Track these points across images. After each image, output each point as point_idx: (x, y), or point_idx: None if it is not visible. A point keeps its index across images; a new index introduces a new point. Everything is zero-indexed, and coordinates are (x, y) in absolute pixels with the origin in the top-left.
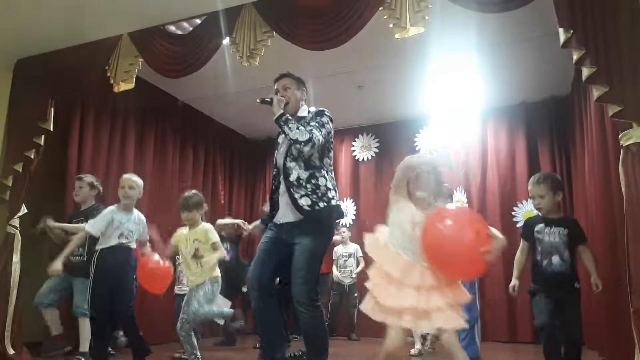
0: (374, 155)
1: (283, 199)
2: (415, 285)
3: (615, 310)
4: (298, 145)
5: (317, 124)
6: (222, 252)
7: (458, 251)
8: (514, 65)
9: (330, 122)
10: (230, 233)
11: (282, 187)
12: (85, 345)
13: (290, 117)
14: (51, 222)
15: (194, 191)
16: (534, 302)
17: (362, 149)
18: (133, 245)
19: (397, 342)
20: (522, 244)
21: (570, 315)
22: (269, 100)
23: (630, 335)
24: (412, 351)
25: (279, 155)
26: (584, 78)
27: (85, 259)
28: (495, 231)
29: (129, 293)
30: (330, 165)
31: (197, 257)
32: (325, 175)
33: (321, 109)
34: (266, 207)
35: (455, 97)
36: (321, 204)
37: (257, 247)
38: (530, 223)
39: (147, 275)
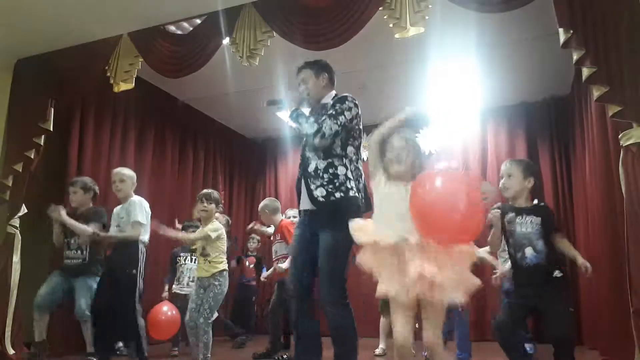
0: None
1: (303, 189)
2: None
3: (615, 310)
4: (310, 139)
5: (333, 113)
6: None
7: (450, 212)
8: (514, 65)
9: (353, 108)
10: None
11: (303, 175)
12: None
13: (302, 112)
14: (63, 214)
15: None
16: (508, 307)
17: (363, 149)
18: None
19: (406, 333)
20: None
21: (554, 309)
22: (275, 100)
23: (631, 335)
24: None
25: (303, 145)
26: (584, 78)
27: (87, 262)
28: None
29: (131, 290)
30: (354, 154)
31: (204, 255)
32: (347, 164)
33: (344, 95)
34: None
35: (455, 97)
36: (337, 194)
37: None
38: (500, 210)
39: (155, 323)
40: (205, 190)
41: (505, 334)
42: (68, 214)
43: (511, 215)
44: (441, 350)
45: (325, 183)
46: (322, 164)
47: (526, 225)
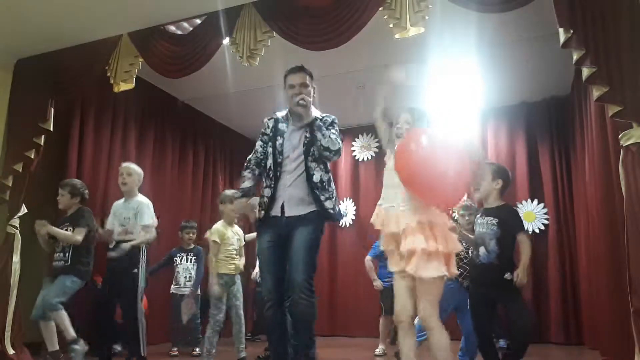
0: (373, 155)
1: (292, 193)
2: (397, 231)
3: (615, 310)
4: (327, 153)
5: (335, 132)
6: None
7: (434, 171)
8: (514, 65)
9: None
10: None
11: (295, 182)
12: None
13: (321, 124)
14: (47, 227)
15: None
16: (471, 305)
17: (362, 149)
18: (134, 237)
19: (408, 307)
20: None
21: (512, 311)
22: (304, 103)
23: (631, 335)
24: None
25: (288, 146)
26: (584, 78)
27: (68, 263)
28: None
29: (132, 290)
30: None
31: (241, 255)
32: None
33: (333, 117)
34: (247, 183)
35: (455, 97)
36: (337, 208)
37: (258, 254)
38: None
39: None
40: (227, 192)
41: (484, 338)
42: (57, 215)
43: (477, 216)
44: (435, 325)
45: (330, 196)
46: (325, 177)
47: (483, 226)
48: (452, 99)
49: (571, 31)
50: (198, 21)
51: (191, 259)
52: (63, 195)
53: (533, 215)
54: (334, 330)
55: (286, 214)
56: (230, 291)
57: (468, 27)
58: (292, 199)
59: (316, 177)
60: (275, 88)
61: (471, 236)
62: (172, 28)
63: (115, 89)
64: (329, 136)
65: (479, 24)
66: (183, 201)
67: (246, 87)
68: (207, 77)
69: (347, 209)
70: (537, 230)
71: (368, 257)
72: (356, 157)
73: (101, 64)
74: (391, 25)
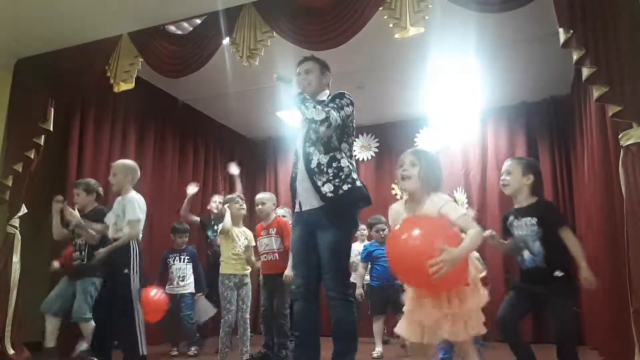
0: (373, 155)
1: (303, 186)
2: (422, 295)
3: (615, 310)
4: (314, 125)
5: (335, 105)
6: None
7: (422, 263)
8: (514, 65)
9: (350, 105)
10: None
11: (301, 175)
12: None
13: (307, 97)
14: (77, 215)
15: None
16: (507, 296)
17: (362, 149)
18: (123, 234)
19: None
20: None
21: (554, 308)
22: (287, 79)
23: (631, 335)
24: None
25: (299, 141)
26: (584, 78)
27: (85, 262)
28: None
29: (126, 290)
30: (349, 150)
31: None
32: (347, 157)
33: (342, 91)
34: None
35: (455, 97)
36: (345, 187)
37: (290, 247)
38: (505, 217)
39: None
40: (234, 194)
41: (509, 330)
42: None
43: (511, 218)
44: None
45: (331, 178)
46: (324, 159)
47: (522, 228)
48: (452, 99)
49: (571, 31)
50: (198, 21)
51: (184, 258)
52: (79, 195)
53: None
54: None
55: (302, 209)
56: (239, 294)
57: (468, 27)
58: (304, 193)
59: (314, 163)
60: (275, 88)
61: (506, 242)
62: (172, 28)
63: (115, 89)
64: (312, 107)
65: (478, 24)
66: (183, 201)
67: (246, 87)
68: (207, 77)
69: None
70: None
71: (361, 264)
72: (356, 157)
73: (101, 64)
74: (391, 25)
